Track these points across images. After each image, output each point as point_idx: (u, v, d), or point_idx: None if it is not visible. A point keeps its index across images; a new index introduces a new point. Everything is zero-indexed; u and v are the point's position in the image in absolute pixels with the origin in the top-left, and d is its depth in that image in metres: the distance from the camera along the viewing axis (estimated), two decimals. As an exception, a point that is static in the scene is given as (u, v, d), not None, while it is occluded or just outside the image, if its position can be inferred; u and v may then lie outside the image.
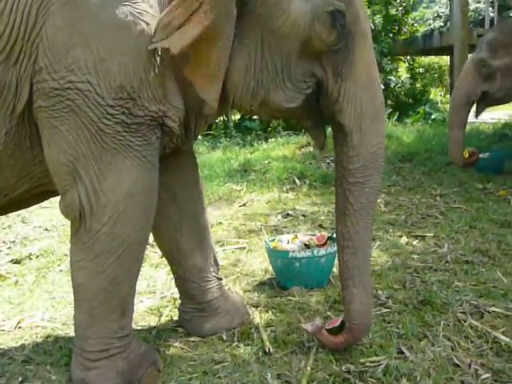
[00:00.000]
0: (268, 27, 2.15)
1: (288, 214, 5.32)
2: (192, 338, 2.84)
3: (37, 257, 4.32)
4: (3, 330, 3.05)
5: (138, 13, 2.06)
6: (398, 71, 15.30)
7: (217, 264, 2.96)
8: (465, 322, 2.83)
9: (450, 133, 6.23)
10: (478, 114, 6.51)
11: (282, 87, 2.24)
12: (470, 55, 14.15)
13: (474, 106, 6.35)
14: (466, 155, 6.25)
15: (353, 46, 2.24)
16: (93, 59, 2.02)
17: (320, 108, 2.40)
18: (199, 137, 10.05)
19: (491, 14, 17.16)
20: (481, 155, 6.62)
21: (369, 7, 13.94)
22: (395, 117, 12.08)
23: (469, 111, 6.24)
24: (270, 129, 11.51)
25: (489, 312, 2.93)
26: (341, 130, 2.35)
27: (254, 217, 5.28)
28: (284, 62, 2.20)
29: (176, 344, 2.78)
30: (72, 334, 2.47)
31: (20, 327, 3.09)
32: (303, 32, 2.16)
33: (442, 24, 26.43)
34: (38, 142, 2.21)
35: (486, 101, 6.26)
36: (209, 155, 8.68)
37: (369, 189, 2.36)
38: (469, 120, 6.42)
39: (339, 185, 2.42)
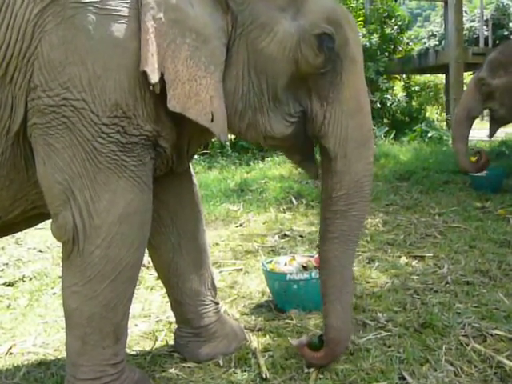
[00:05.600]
0: (254, 48, 2.16)
1: (285, 235, 5.28)
2: (188, 364, 2.77)
3: (30, 279, 4.26)
4: (-6, 357, 2.98)
5: (133, 30, 2.02)
6: (393, 90, 15.37)
7: (214, 288, 2.90)
8: (467, 345, 2.77)
9: (454, 146, 6.70)
10: (491, 134, 6.85)
11: (267, 109, 2.23)
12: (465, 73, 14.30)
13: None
14: (474, 159, 6.51)
15: (341, 70, 2.24)
16: (88, 77, 1.99)
17: (308, 142, 2.40)
18: (195, 156, 10.03)
19: (485, 33, 17.34)
20: (478, 173, 6.66)
21: (364, 26, 14.04)
22: (392, 135, 12.09)
23: (470, 126, 6.54)
24: (266, 148, 11.48)
25: (492, 335, 2.87)
26: (326, 155, 2.33)
27: (250, 237, 5.23)
28: (270, 82, 2.19)
29: (171, 370, 2.71)
30: (64, 359, 2.39)
31: (11, 353, 3.02)
32: (289, 53, 2.17)
33: (436, 43, 26.64)
34: (32, 162, 2.17)
35: (495, 121, 6.62)
36: (205, 175, 8.65)
37: (351, 217, 2.33)
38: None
39: (322, 211, 2.41)
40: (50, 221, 2.27)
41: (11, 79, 2.04)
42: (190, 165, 2.76)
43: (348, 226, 2.33)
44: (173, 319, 3.03)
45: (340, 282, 2.41)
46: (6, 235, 2.70)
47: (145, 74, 1.97)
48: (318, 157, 2.48)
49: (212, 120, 2.11)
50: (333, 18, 2.21)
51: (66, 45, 1.99)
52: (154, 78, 1.97)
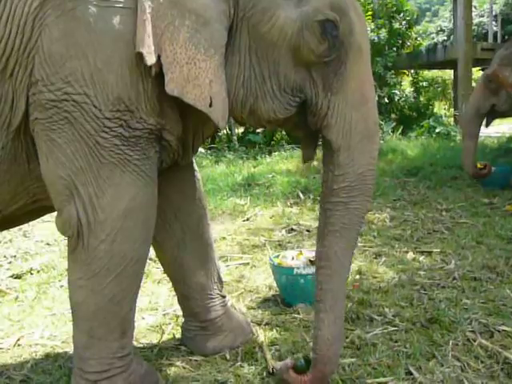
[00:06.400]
0: (256, 33, 2.09)
1: (292, 229, 5.28)
2: (195, 357, 2.78)
3: (38, 272, 4.27)
4: (2, 348, 2.99)
5: (135, 22, 1.96)
6: (401, 85, 15.32)
7: (221, 281, 2.90)
8: (474, 341, 2.77)
9: (463, 143, 6.73)
10: (487, 124, 6.87)
11: (270, 96, 2.16)
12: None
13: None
14: (479, 166, 6.57)
15: (345, 60, 2.14)
16: (90, 70, 1.96)
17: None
18: (202, 150, 10.04)
19: (494, 28, 17.25)
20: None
21: (372, 21, 13.99)
22: (399, 130, 12.05)
23: (479, 123, 6.61)
24: (273, 142, 11.48)
25: (499, 331, 2.87)
26: (328, 147, 2.23)
27: (257, 232, 5.23)
28: (272, 69, 2.12)
29: (178, 363, 2.72)
30: (72, 352, 2.41)
31: (19, 345, 3.03)
32: (291, 40, 2.08)
33: (445, 38, 26.53)
34: (34, 156, 2.16)
35: (494, 113, 6.62)
36: (212, 169, 8.65)
37: (352, 210, 2.22)
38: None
39: (322, 203, 2.29)
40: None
41: (11, 73, 2.01)
42: (193, 159, 2.75)
43: (349, 219, 2.22)
44: (180, 312, 3.04)
45: (337, 285, 2.27)
46: (8, 228, 2.71)
47: (140, 56, 1.92)
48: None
49: (211, 105, 2.04)
50: (337, 5, 2.10)
51: (66, 38, 1.96)
52: (151, 59, 1.92)
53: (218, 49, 2.05)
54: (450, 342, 2.77)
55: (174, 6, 1.98)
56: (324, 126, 2.20)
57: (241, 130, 12.11)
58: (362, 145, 2.20)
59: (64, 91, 1.97)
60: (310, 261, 3.50)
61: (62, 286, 3.90)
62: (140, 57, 1.93)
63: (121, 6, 1.98)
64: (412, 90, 16.18)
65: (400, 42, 15.17)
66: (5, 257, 4.64)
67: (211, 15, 2.03)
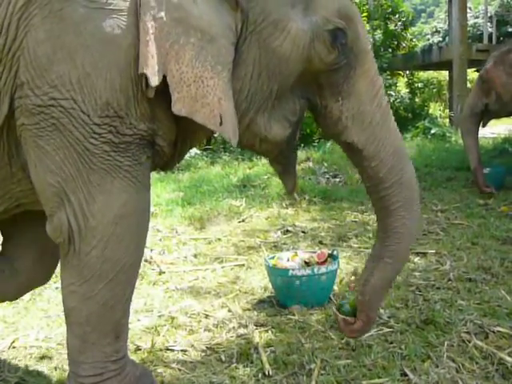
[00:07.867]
0: (267, 47, 2.05)
1: (287, 231, 5.27)
2: (190, 359, 2.77)
3: (33, 274, 4.25)
4: (-3, 351, 2.99)
5: (126, 26, 1.92)
6: (397, 86, 15.33)
7: None
8: (469, 342, 2.77)
9: (463, 141, 6.89)
10: (483, 124, 6.96)
11: (271, 110, 2.15)
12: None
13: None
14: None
15: (355, 64, 2.17)
16: (77, 75, 1.90)
17: (291, 155, 2.35)
18: (198, 151, 10.03)
19: (489, 30, 17.27)
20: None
21: (368, 22, 14.01)
22: (395, 132, 12.03)
23: (475, 122, 6.71)
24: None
25: (493, 332, 2.87)
26: (352, 149, 2.25)
27: (253, 233, 5.24)
28: (283, 83, 2.11)
29: (173, 365, 2.71)
30: (67, 353, 2.40)
31: (14, 347, 3.02)
32: (303, 52, 2.07)
33: (440, 39, 26.56)
34: (17, 159, 2.11)
35: (488, 113, 6.73)
36: (208, 170, 8.65)
37: (405, 180, 2.27)
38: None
39: (375, 193, 2.33)
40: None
41: None
42: None
43: (407, 188, 2.28)
44: (175, 314, 3.04)
45: (403, 248, 2.33)
46: None
47: (144, 77, 1.88)
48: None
49: (221, 123, 1.99)
50: (344, 12, 2.11)
51: (53, 40, 1.90)
52: (155, 80, 1.87)
53: (225, 65, 2.00)
54: (445, 343, 2.77)
55: (178, 24, 1.93)
56: (340, 130, 2.22)
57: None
58: (383, 129, 2.24)
59: (51, 96, 1.92)
60: (306, 262, 3.51)
61: (57, 288, 3.88)
62: (144, 78, 1.89)
63: (111, 7, 1.92)
64: (407, 91, 16.21)
65: (395, 43, 15.23)
66: (0, 258, 4.62)
67: (217, 31, 1.98)
